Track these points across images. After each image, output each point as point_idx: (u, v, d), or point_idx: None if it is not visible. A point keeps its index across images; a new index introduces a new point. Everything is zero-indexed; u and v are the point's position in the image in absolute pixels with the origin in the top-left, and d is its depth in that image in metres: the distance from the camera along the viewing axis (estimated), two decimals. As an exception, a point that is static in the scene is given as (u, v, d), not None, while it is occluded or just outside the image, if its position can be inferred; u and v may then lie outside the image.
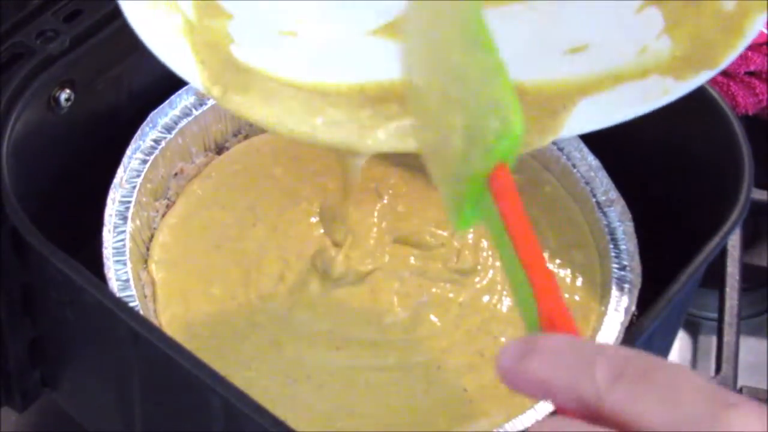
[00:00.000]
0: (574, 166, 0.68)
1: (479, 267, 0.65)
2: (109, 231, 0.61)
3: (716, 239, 0.59)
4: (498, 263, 0.65)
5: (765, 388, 0.70)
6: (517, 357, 0.39)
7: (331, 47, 0.57)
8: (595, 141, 0.65)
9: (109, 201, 0.62)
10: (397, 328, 0.62)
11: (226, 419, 0.52)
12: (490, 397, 0.60)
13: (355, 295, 0.63)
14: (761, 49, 0.82)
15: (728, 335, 0.70)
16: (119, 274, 0.60)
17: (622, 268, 0.64)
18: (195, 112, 0.67)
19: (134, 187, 0.63)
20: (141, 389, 0.57)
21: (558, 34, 0.58)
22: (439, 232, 0.66)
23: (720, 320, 0.71)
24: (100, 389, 0.62)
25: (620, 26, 0.58)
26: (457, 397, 0.60)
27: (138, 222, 0.63)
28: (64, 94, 0.62)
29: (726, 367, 0.69)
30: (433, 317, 0.63)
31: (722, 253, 0.72)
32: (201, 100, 0.67)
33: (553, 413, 0.56)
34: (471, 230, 0.66)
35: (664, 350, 0.69)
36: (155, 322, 0.61)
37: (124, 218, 0.62)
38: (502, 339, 0.62)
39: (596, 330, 0.61)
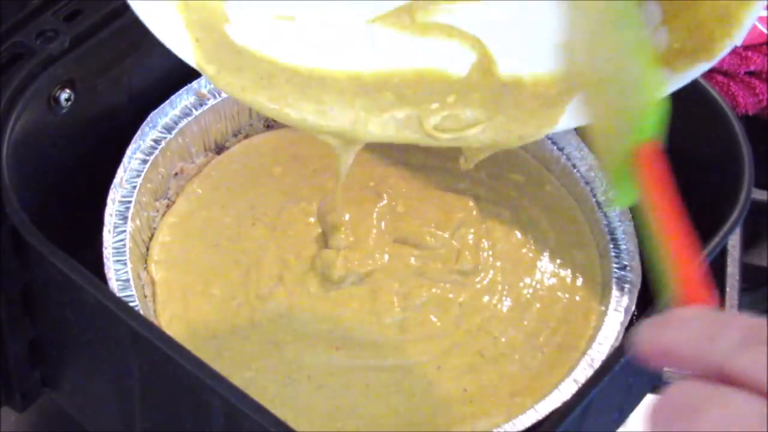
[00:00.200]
0: (574, 166, 0.68)
1: (479, 267, 0.65)
2: (109, 231, 0.61)
3: (716, 239, 0.59)
4: (498, 263, 0.65)
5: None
6: (652, 332, 0.40)
7: (329, 34, 0.57)
8: (595, 141, 0.65)
9: (109, 201, 0.62)
10: (397, 328, 0.62)
11: (226, 419, 0.52)
12: (490, 397, 0.60)
13: (355, 296, 0.63)
14: (761, 49, 0.82)
15: (728, 335, 0.70)
16: (119, 274, 0.60)
17: (622, 267, 0.64)
18: (195, 112, 0.67)
19: (134, 187, 0.63)
20: (141, 389, 0.57)
21: (556, 27, 0.58)
22: (439, 232, 0.66)
23: (720, 320, 0.71)
24: (100, 389, 0.62)
25: None
26: (457, 397, 0.60)
27: (138, 222, 0.63)
28: (64, 94, 0.62)
29: (726, 367, 0.69)
30: (433, 317, 0.63)
31: (722, 253, 0.72)
32: (201, 100, 0.67)
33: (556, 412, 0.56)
34: (471, 230, 0.66)
35: (664, 350, 0.69)
36: (155, 321, 0.61)
37: (124, 218, 0.62)
38: (503, 339, 0.62)
39: (596, 329, 0.61)
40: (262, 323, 0.62)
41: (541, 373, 0.61)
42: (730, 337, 0.38)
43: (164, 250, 0.64)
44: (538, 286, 0.65)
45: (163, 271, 0.63)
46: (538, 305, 0.64)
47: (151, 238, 0.65)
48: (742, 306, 0.72)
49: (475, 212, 0.67)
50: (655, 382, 0.65)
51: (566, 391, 0.57)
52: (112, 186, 0.63)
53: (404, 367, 0.61)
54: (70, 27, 0.62)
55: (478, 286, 0.64)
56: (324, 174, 0.68)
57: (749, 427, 0.36)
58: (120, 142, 0.64)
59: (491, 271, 0.65)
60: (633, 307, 0.62)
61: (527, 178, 0.69)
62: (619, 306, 0.62)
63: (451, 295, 0.64)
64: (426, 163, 0.69)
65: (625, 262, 0.64)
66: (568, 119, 0.55)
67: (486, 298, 0.64)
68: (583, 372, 0.58)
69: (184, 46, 0.55)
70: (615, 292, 0.63)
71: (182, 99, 0.67)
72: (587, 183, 0.67)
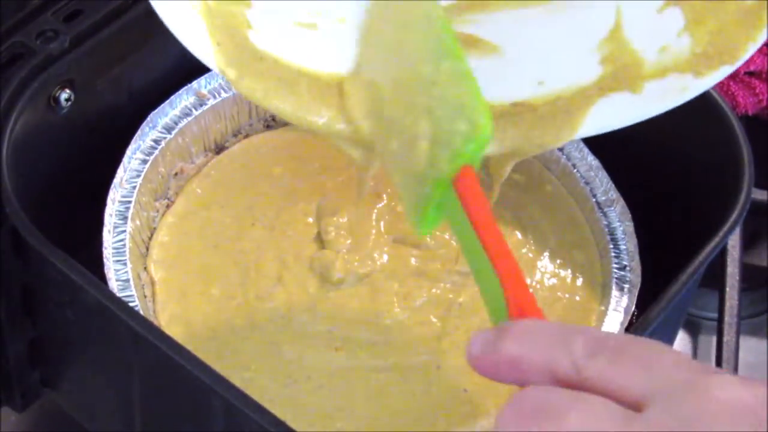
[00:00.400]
0: (574, 166, 0.68)
1: (479, 267, 0.65)
2: (109, 231, 0.61)
3: (716, 239, 0.59)
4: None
5: (765, 388, 0.70)
6: (491, 341, 0.39)
7: (351, 41, 0.57)
8: (595, 141, 0.65)
9: (109, 201, 0.62)
10: (396, 328, 0.62)
11: (226, 419, 0.52)
12: (490, 397, 0.60)
13: (355, 296, 0.63)
14: (761, 49, 0.82)
15: (728, 335, 0.70)
16: (119, 274, 0.60)
17: (622, 268, 0.64)
18: (195, 112, 0.67)
19: (134, 187, 0.63)
20: (141, 389, 0.57)
21: (579, 35, 0.58)
22: (438, 232, 0.65)
23: (720, 320, 0.71)
24: (100, 389, 0.62)
25: (641, 27, 0.58)
26: (457, 397, 0.60)
27: (138, 222, 0.63)
28: (64, 94, 0.62)
29: (726, 367, 0.69)
30: (433, 317, 0.63)
31: (722, 253, 0.72)
32: (201, 100, 0.67)
33: None
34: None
35: (664, 350, 0.69)
36: (154, 321, 0.61)
37: (124, 218, 0.62)
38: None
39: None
40: (262, 323, 0.62)
41: (541, 373, 0.61)
42: (580, 345, 0.38)
43: (163, 250, 0.64)
44: (538, 286, 0.65)
45: (162, 271, 0.63)
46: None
47: (150, 238, 0.65)
48: (742, 306, 0.72)
49: (475, 212, 0.67)
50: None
51: (566, 391, 0.57)
52: (112, 186, 0.63)
53: (404, 367, 0.61)
54: (70, 27, 0.62)
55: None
56: (323, 174, 0.68)
57: (609, 428, 0.36)
58: (120, 142, 0.64)
59: (491, 271, 0.65)
60: (633, 308, 0.62)
61: (527, 178, 0.69)
62: (619, 306, 0.62)
63: (451, 295, 0.63)
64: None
65: (625, 262, 0.64)
66: (587, 127, 0.55)
67: (486, 298, 0.64)
68: (583, 372, 0.58)
69: (205, 50, 0.55)
70: (615, 293, 0.63)
71: (182, 99, 0.67)
72: (587, 183, 0.67)
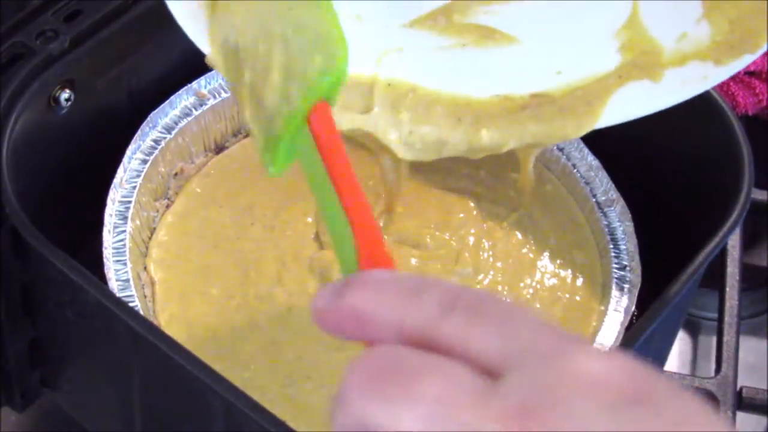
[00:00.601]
0: (574, 166, 0.68)
1: (479, 268, 0.64)
2: (109, 231, 0.61)
3: (716, 239, 0.59)
4: (498, 264, 0.65)
5: (765, 388, 0.70)
6: (336, 294, 0.35)
7: (365, 40, 0.56)
8: (595, 141, 0.65)
9: (109, 201, 0.62)
10: (396, 328, 0.62)
11: (226, 419, 0.52)
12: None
13: (355, 296, 0.63)
14: (761, 49, 0.82)
15: (728, 335, 0.70)
16: (119, 274, 0.60)
17: (622, 268, 0.64)
18: (195, 112, 0.67)
19: (134, 187, 0.63)
20: (141, 389, 0.57)
21: (596, 22, 0.58)
22: (438, 233, 0.65)
23: (720, 320, 0.71)
24: (100, 389, 0.62)
25: (659, 13, 0.58)
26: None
27: (138, 222, 0.63)
28: (64, 94, 0.62)
29: (726, 367, 0.69)
30: (433, 317, 0.63)
31: (722, 253, 0.72)
32: (201, 101, 0.67)
33: None
34: (471, 231, 0.66)
35: (664, 350, 0.69)
36: (154, 321, 0.61)
37: (124, 218, 0.62)
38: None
39: (596, 330, 0.61)
40: (262, 323, 0.62)
41: (541, 373, 0.61)
42: (434, 300, 0.33)
43: (163, 249, 0.64)
44: (538, 286, 0.65)
45: (162, 271, 0.63)
46: (538, 305, 0.64)
47: (150, 238, 0.65)
48: (742, 306, 0.72)
49: (475, 212, 0.67)
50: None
51: (566, 391, 0.57)
52: (112, 186, 0.63)
53: (404, 367, 0.61)
54: (70, 27, 0.62)
55: (478, 286, 0.64)
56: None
57: (466, 394, 0.31)
58: (120, 142, 0.64)
59: (491, 272, 0.65)
60: (633, 308, 0.62)
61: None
62: (619, 306, 0.62)
63: (450, 296, 0.63)
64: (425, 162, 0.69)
65: (625, 262, 0.64)
66: (608, 117, 0.55)
67: (486, 298, 0.64)
68: (583, 372, 0.58)
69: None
70: (615, 293, 0.63)
71: (182, 99, 0.67)
72: (587, 183, 0.67)
